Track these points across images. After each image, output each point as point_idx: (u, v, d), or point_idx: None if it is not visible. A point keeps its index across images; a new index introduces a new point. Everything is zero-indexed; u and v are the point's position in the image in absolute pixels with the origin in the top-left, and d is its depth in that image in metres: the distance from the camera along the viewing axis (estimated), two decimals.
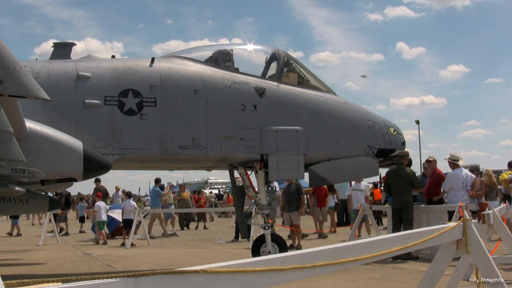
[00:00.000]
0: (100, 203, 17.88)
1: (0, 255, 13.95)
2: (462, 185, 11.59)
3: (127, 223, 16.79)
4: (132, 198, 18.75)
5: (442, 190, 11.90)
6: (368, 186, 18.62)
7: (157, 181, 20.24)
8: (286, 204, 15.05)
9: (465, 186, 11.60)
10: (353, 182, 16.53)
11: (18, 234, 20.77)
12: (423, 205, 11.93)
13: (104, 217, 17.56)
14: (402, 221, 11.23)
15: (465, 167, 12.81)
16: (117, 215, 18.36)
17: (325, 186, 17.26)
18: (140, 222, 16.68)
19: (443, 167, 13.21)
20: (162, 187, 20.53)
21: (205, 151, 8.81)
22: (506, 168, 22.00)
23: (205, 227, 23.82)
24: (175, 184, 26.70)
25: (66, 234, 20.52)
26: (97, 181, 20.74)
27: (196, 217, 25.36)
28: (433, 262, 4.25)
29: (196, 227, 23.82)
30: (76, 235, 20.70)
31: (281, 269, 2.47)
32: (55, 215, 19.05)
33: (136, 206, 17.81)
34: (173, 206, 21.24)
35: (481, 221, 5.40)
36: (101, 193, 19.37)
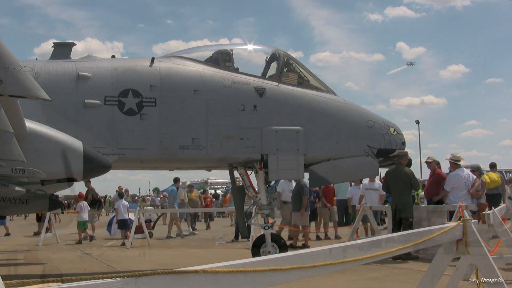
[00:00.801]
0: (82, 203, 17.87)
1: (0, 255, 13.94)
2: (464, 185, 11.59)
3: (123, 223, 16.83)
4: (124, 198, 18.72)
5: (443, 190, 11.90)
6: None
7: (176, 180, 19.82)
8: (292, 203, 15.15)
9: (467, 186, 11.60)
10: (366, 181, 16.34)
11: (7, 234, 20.68)
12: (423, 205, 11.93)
13: (85, 217, 17.56)
14: (401, 221, 11.23)
15: (466, 167, 12.81)
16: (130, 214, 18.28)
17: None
18: (151, 221, 16.74)
19: (443, 168, 13.20)
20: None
21: (205, 151, 8.81)
22: (506, 168, 22.16)
23: (208, 227, 23.64)
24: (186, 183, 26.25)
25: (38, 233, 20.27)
26: (88, 182, 20.60)
27: (200, 217, 25.19)
28: (433, 262, 4.25)
29: (207, 227, 23.63)
30: (76, 235, 20.67)
31: (281, 269, 2.47)
32: (39, 216, 18.93)
33: (128, 206, 17.84)
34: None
35: (481, 221, 5.41)
36: (83, 194, 19.23)
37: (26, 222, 32.33)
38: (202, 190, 34.20)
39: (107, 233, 19.05)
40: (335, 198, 20.03)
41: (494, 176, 14.59)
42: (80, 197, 18.67)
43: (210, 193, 38.42)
